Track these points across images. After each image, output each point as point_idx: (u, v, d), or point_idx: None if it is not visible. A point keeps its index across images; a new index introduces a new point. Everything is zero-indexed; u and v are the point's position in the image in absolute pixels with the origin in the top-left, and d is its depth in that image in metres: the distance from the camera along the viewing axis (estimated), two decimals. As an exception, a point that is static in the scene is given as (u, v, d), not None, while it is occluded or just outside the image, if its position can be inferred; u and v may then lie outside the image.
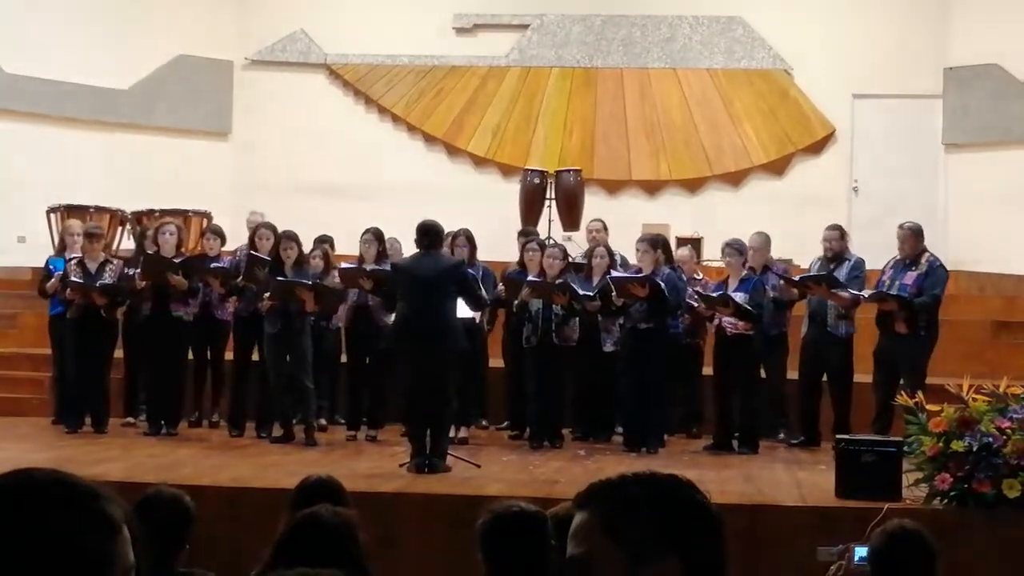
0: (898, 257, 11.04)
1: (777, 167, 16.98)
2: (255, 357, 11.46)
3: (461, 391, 10.72)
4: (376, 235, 11.44)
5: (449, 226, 11.29)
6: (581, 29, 17.42)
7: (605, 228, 12.45)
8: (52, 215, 14.19)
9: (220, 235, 12.13)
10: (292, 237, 10.92)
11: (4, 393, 12.70)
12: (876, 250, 12.06)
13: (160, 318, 11.27)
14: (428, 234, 9.62)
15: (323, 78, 17.76)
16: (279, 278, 10.75)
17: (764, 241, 11.55)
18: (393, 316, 9.87)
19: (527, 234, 12.65)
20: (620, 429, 11.17)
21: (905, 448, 8.19)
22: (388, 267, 10.71)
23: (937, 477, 7.84)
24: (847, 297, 10.90)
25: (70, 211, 13.93)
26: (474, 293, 9.85)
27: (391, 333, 9.88)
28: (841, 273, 11.08)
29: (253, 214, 13.02)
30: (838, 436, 9.04)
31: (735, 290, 10.85)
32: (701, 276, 12.23)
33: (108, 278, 11.35)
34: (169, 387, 11.34)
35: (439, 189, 16.36)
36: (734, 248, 11.13)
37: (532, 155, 17.00)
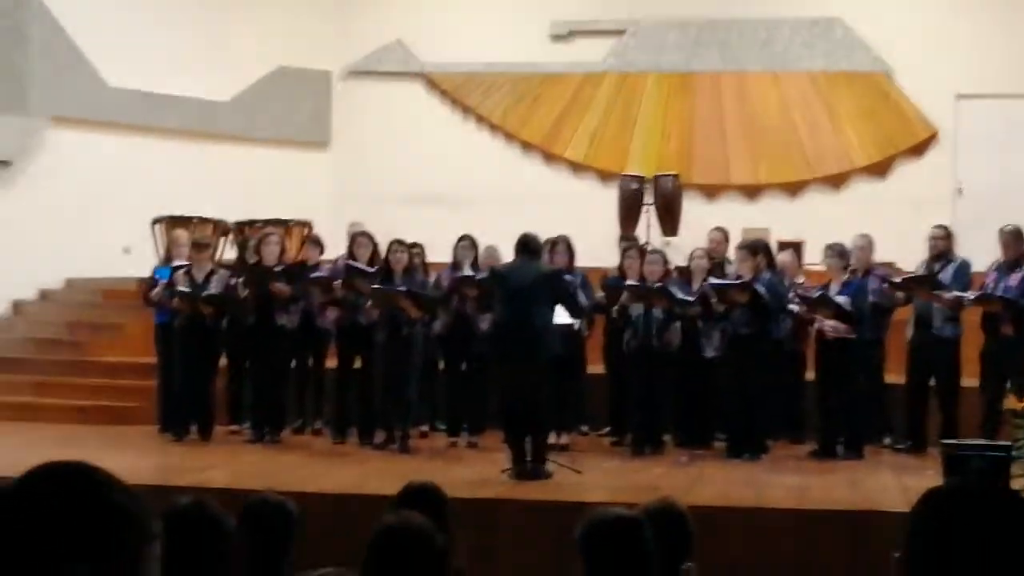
0: (1002, 259, 10.86)
1: (879, 169, 16.75)
2: (357, 365, 11.55)
3: (561, 397, 10.74)
4: (472, 241, 11.52)
5: (547, 233, 11.29)
6: (677, 34, 17.33)
7: (727, 239, 12.32)
8: (156, 226, 14.39)
9: (320, 244, 12.26)
10: (402, 244, 11.06)
11: (111, 402, 12.91)
12: (981, 252, 11.84)
13: (263, 326, 11.41)
14: (527, 244, 9.74)
15: (420, 87, 17.85)
16: (376, 286, 10.83)
17: (868, 242, 11.42)
18: (488, 320, 9.94)
19: (627, 240, 12.61)
20: (722, 435, 11.09)
21: (1013, 452, 8.05)
22: (486, 274, 10.77)
23: (1047, 481, 7.68)
24: (949, 298, 10.74)
25: (174, 222, 14.12)
26: (572, 301, 9.89)
27: (487, 339, 9.96)
28: (946, 275, 10.92)
29: (354, 225, 13.11)
30: (945, 441, 8.89)
31: (837, 293, 10.73)
32: (803, 280, 12.10)
33: (214, 288, 11.50)
34: (273, 395, 11.47)
35: (537, 196, 16.36)
36: (835, 251, 11.01)
37: (630, 160, 16.94)
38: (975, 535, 2.06)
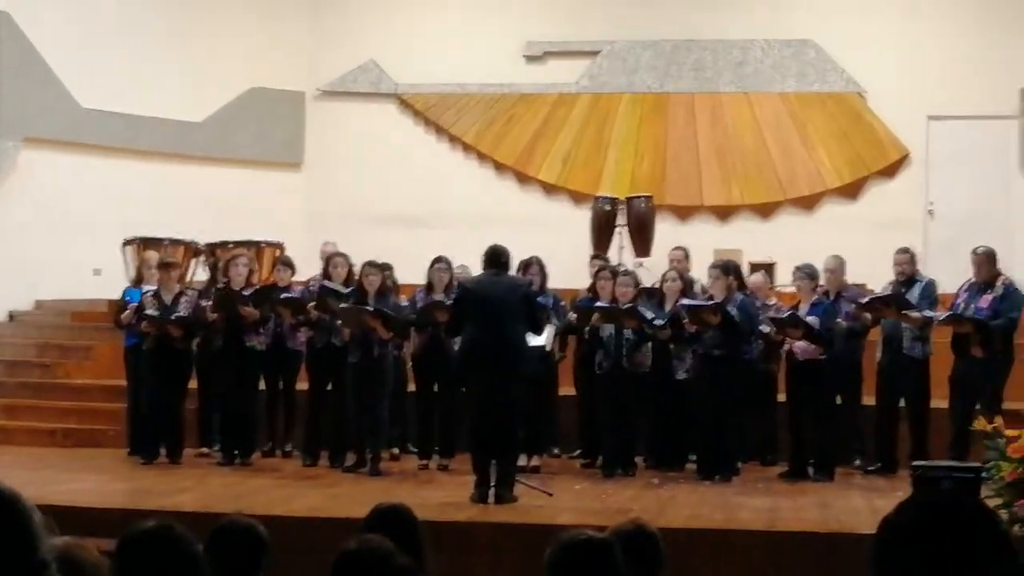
0: (973, 280, 10.96)
1: (851, 191, 16.87)
2: (329, 387, 11.56)
3: (533, 419, 10.75)
4: (448, 263, 11.55)
5: (520, 254, 11.33)
6: (651, 55, 17.43)
7: (687, 256, 12.50)
8: (127, 247, 14.39)
9: (291, 266, 12.26)
10: (375, 266, 11.04)
11: (81, 424, 12.90)
12: (952, 273, 11.96)
13: (233, 349, 11.44)
14: (496, 256, 9.62)
15: (394, 108, 17.90)
16: (343, 304, 10.84)
17: (839, 264, 11.49)
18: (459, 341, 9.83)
19: (599, 261, 12.67)
20: (693, 457, 11.14)
21: (984, 474, 8.10)
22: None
23: (1017, 503, 7.75)
24: (918, 317, 10.84)
25: (146, 243, 14.11)
26: (536, 316, 9.73)
27: (459, 357, 9.81)
28: (913, 295, 11.03)
29: (327, 244, 13.14)
30: (915, 462, 8.96)
31: (807, 314, 10.82)
32: (775, 302, 12.17)
33: (183, 309, 11.52)
34: (242, 417, 11.49)
35: (510, 217, 16.40)
36: (804, 272, 11.11)
37: (603, 181, 17.02)
38: (944, 546, 2.11)
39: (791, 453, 10.99)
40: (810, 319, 10.73)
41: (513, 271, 11.28)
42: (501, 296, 9.35)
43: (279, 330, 11.81)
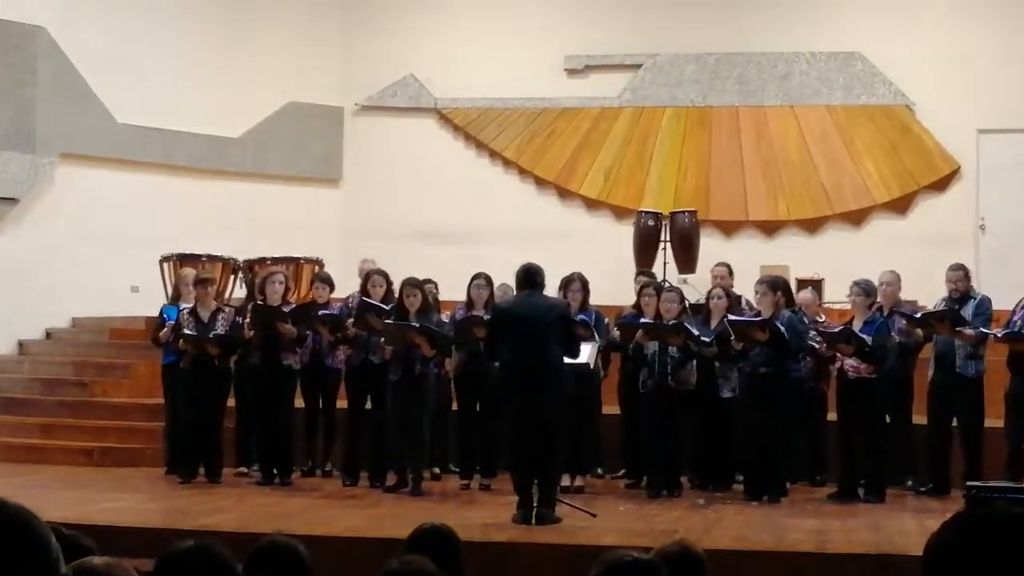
0: (1030, 296, 10.87)
1: (900, 205, 16.75)
2: (368, 406, 11.55)
3: (576, 438, 10.72)
4: (487, 279, 11.53)
5: (562, 270, 11.32)
6: (695, 68, 17.39)
7: (731, 272, 12.46)
8: (165, 264, 14.45)
9: (329, 283, 12.26)
10: (416, 284, 11.04)
11: (119, 443, 12.94)
12: (1004, 288, 11.85)
13: (270, 367, 11.44)
14: (530, 276, 9.58)
15: (433, 122, 17.93)
16: (387, 321, 10.85)
17: (895, 279, 11.40)
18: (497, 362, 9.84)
19: (643, 277, 12.63)
20: (740, 477, 11.07)
21: (1040, 495, 8.01)
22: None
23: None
24: (971, 334, 10.73)
25: (183, 260, 14.17)
26: (572, 337, 9.65)
27: (498, 379, 9.82)
28: (967, 312, 10.92)
29: (365, 261, 13.14)
30: (969, 483, 8.86)
31: (860, 331, 10.72)
32: (823, 319, 12.10)
33: (220, 327, 11.54)
34: (280, 436, 11.48)
35: (551, 232, 16.40)
36: (861, 287, 11.00)
37: (646, 197, 16.97)
38: (996, 562, 2.05)
39: (841, 473, 10.89)
40: (864, 336, 10.64)
41: (553, 289, 11.29)
42: (536, 317, 9.33)
43: (317, 348, 11.82)
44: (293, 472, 11.64)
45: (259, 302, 11.71)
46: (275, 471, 11.39)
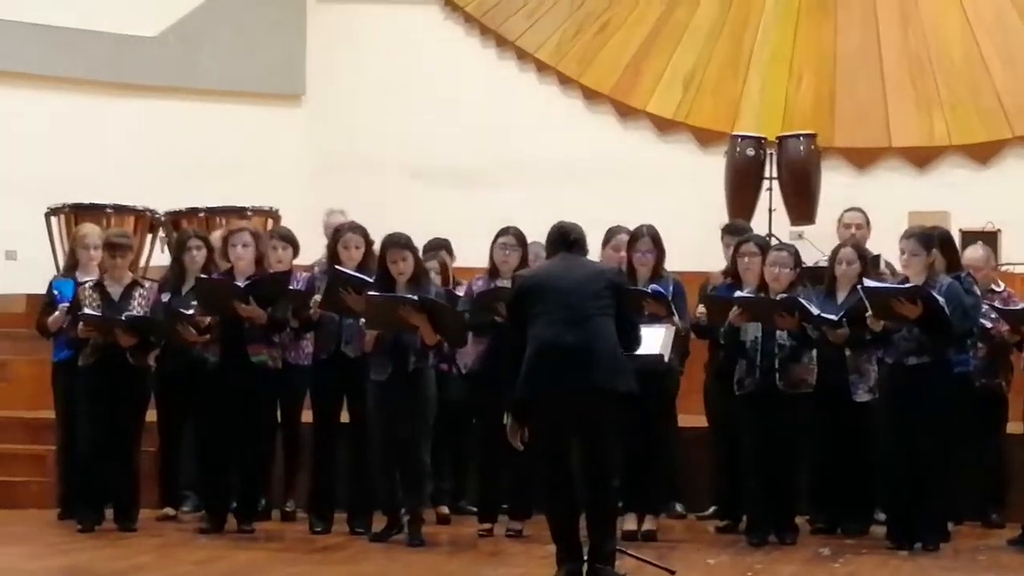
0: None
1: (1110, 124, 16.78)
2: (344, 418, 11.60)
3: (644, 463, 10.74)
4: (518, 237, 11.49)
5: (622, 222, 11.34)
6: (811, -73, 17.41)
7: (868, 223, 12.42)
8: (54, 219, 14.50)
9: (291, 242, 12.24)
10: (405, 244, 11.01)
11: (-10, 475, 13.03)
12: None
13: (231, 366, 11.41)
14: (566, 236, 9.45)
15: (437, 12, 17.97)
16: (371, 293, 10.76)
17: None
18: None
19: (739, 231, 12.62)
20: (881, 515, 11.10)
21: None
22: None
23: None
24: None
25: (80, 213, 14.22)
26: (630, 318, 9.49)
27: (523, 376, 9.59)
28: None
29: (333, 213, 13.15)
30: None
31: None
32: (1003, 287, 12.08)
33: (137, 308, 11.57)
34: (250, 464, 11.53)
35: (607, 168, 16.44)
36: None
37: (743, 115, 17.00)
38: None
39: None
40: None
41: (612, 249, 11.28)
42: (576, 288, 9.18)
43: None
44: (258, 514, 11.69)
45: (204, 277, 11.65)
46: (235, 512, 11.45)
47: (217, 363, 11.41)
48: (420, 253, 11.39)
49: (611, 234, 11.65)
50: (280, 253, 12.12)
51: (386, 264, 10.92)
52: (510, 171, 16.76)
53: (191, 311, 11.49)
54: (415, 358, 10.86)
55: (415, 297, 10.70)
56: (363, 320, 10.96)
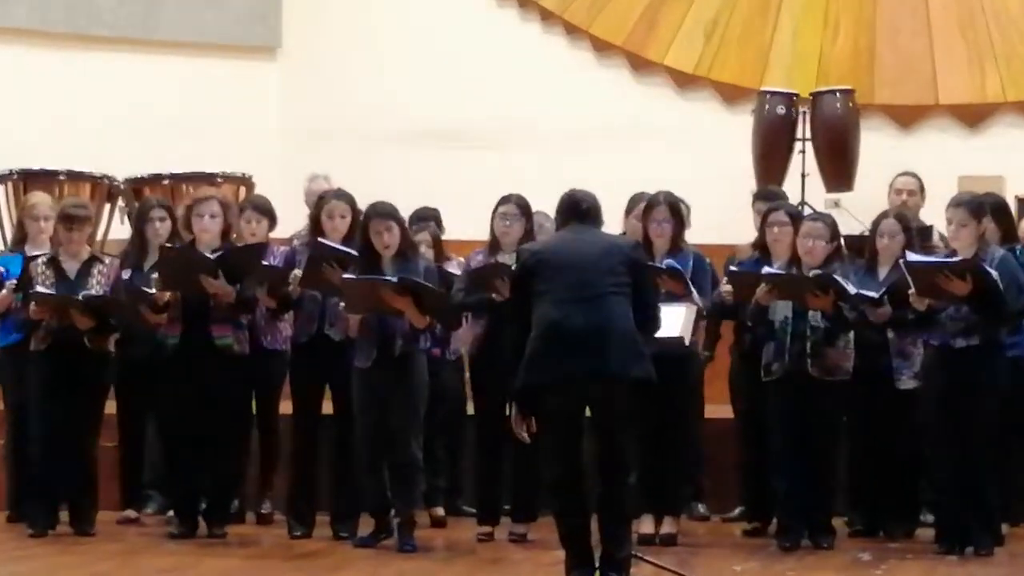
0: None
1: None
2: (327, 409, 11.66)
3: (663, 458, 10.80)
4: (521, 206, 11.54)
5: (637, 187, 11.40)
6: None
7: (922, 189, 12.47)
8: (0, 187, 14.56)
9: (267, 213, 12.29)
10: (390, 213, 11.05)
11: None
12: None
13: (193, 348, 11.48)
14: (575, 206, 9.48)
15: (429, -46, 18.03)
16: (346, 275, 10.76)
17: None
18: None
19: (773, 197, 12.67)
20: (929, 517, 11.16)
21: None
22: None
23: None
24: None
25: (29, 180, 14.27)
26: (648, 298, 9.47)
27: (526, 361, 9.60)
28: None
29: (315, 179, 13.20)
30: None
31: None
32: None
33: (96, 286, 11.63)
34: (221, 461, 11.59)
35: (620, 128, 16.47)
36: None
37: (772, 69, 17.02)
38: None
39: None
40: None
41: (635, 218, 11.34)
42: (588, 263, 9.18)
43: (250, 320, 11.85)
44: (232, 517, 11.77)
45: (169, 246, 11.69)
46: (205, 515, 11.51)
47: (176, 345, 11.45)
48: (407, 224, 11.46)
49: (634, 202, 11.69)
50: (254, 226, 12.14)
51: (369, 237, 10.99)
52: (512, 133, 16.77)
53: (153, 290, 11.53)
54: (402, 341, 10.90)
55: (394, 279, 10.74)
56: (342, 304, 11.00)
